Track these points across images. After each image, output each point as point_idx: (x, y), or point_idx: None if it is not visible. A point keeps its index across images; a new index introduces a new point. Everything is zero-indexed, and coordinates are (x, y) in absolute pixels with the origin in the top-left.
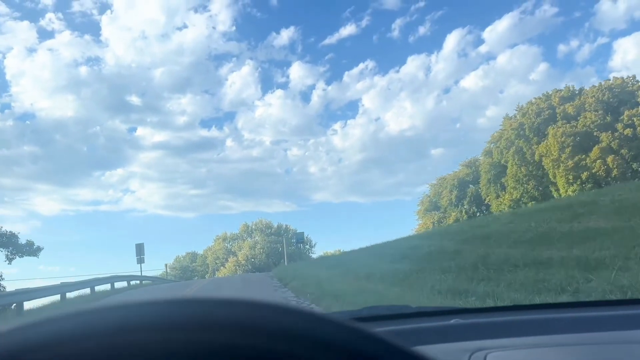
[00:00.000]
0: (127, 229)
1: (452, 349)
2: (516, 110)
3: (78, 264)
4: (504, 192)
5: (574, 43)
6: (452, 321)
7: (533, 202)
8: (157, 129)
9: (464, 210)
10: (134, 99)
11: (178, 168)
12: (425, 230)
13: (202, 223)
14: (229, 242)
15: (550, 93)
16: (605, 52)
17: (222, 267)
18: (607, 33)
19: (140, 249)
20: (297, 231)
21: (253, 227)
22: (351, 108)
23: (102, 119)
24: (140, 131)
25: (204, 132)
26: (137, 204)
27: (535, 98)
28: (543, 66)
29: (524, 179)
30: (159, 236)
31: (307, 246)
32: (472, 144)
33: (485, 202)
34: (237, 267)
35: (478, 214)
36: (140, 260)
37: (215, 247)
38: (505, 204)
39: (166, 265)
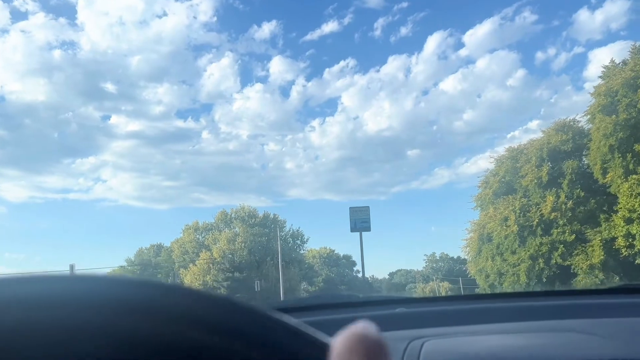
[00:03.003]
0: (97, 218)
1: (392, 337)
2: (630, 51)
3: (44, 253)
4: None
5: (552, 51)
6: (397, 310)
7: None
8: (131, 118)
9: (563, 194)
10: (109, 86)
11: (152, 158)
12: (502, 220)
13: (175, 215)
14: (202, 233)
15: None
16: (580, 61)
17: (191, 265)
18: (583, 43)
19: None
20: (357, 206)
21: (233, 215)
22: (330, 105)
23: (75, 105)
24: (114, 119)
25: (179, 123)
26: (108, 193)
27: None
28: (521, 72)
29: None
30: (129, 227)
31: (299, 242)
32: (448, 147)
33: (602, 181)
34: (211, 265)
35: (590, 200)
36: None
37: (184, 238)
38: None
39: (72, 266)
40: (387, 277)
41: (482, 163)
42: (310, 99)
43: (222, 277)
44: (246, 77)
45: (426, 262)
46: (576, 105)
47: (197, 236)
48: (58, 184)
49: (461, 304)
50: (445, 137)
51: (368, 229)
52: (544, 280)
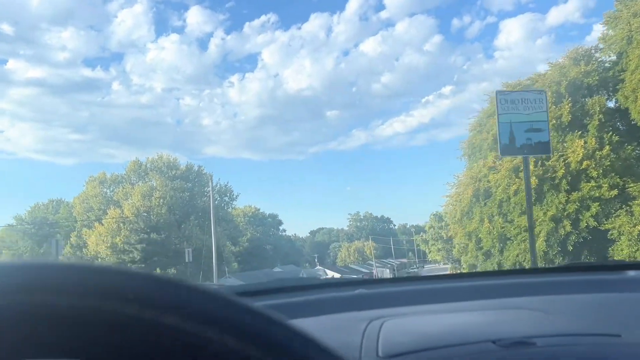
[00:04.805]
0: None
1: (352, 318)
2: None
3: None
4: None
5: (467, 19)
6: (357, 291)
7: None
8: (32, 64)
9: (593, 139)
10: (5, 28)
11: (56, 109)
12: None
13: (82, 171)
14: (110, 186)
15: None
16: (492, 31)
17: (96, 224)
18: (495, 13)
19: None
20: (515, 92)
21: (148, 165)
22: (250, 61)
23: None
24: (12, 64)
25: (87, 72)
26: (5, 145)
27: None
28: (437, 38)
29: None
30: (29, 183)
31: (227, 198)
32: (366, 109)
33: None
34: (122, 225)
35: (626, 147)
36: None
37: (87, 192)
38: None
39: None
40: (308, 235)
41: (397, 126)
42: (229, 53)
43: (135, 239)
44: (161, 27)
45: (350, 221)
46: (487, 72)
47: (104, 190)
48: None
49: (419, 284)
50: (363, 99)
51: (547, 149)
52: (570, 248)
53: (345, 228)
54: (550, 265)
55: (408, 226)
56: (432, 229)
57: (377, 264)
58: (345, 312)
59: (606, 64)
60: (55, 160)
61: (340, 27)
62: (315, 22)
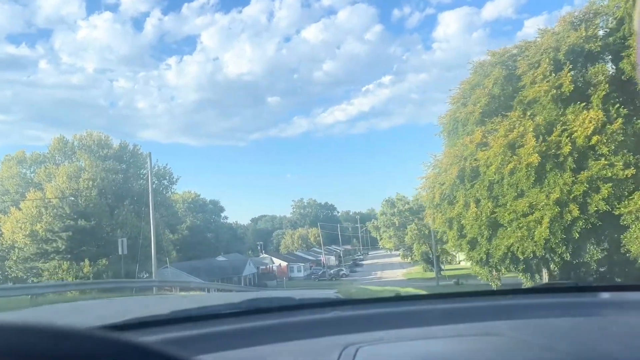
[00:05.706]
0: None
1: (325, 344)
2: None
3: None
4: None
5: (407, 9)
6: (331, 314)
7: None
8: None
9: (600, 112)
10: None
11: None
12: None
13: (5, 153)
14: (30, 166)
15: None
16: (430, 22)
17: (13, 209)
18: (434, 4)
19: None
20: None
21: (76, 144)
22: (188, 43)
23: None
24: None
25: (10, 49)
26: None
27: None
28: (378, 27)
29: None
30: None
31: (166, 182)
32: (307, 96)
33: None
34: (44, 210)
35: (635, 121)
36: None
37: (2, 173)
38: None
39: None
40: (250, 222)
41: (338, 114)
42: (167, 35)
43: (59, 226)
44: (93, 3)
45: (294, 208)
46: (425, 63)
47: (23, 170)
48: None
49: (395, 306)
50: (305, 86)
51: None
52: (576, 235)
53: (289, 215)
54: (528, 287)
55: (351, 213)
56: (384, 215)
57: (323, 251)
58: (318, 338)
59: (600, 32)
60: None
61: (282, 12)
62: (257, 6)
